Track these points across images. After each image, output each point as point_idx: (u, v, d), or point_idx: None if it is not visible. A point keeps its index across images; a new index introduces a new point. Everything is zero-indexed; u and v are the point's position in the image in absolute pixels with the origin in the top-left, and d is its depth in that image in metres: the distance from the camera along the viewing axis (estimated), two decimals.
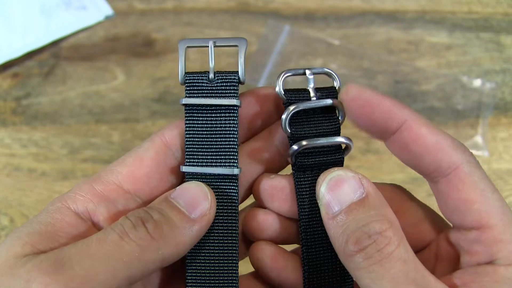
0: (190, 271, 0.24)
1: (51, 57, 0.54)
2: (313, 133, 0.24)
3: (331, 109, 0.25)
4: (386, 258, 0.20)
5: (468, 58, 0.55)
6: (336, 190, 0.23)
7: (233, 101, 0.24)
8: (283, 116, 0.24)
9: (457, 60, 0.55)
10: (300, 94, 0.25)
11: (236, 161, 0.24)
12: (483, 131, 0.50)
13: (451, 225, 0.25)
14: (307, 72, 0.25)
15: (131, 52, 0.55)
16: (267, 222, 0.26)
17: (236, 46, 0.25)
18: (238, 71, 0.24)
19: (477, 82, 0.53)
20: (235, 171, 0.24)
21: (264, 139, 0.26)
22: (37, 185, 0.47)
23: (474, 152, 0.49)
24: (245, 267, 0.27)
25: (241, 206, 0.27)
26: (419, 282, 0.20)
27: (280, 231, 0.26)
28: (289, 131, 0.24)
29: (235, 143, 0.24)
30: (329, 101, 0.24)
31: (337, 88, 0.25)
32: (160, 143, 0.25)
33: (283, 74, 0.25)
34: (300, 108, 0.24)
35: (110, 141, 0.49)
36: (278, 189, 0.25)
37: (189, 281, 0.24)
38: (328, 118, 0.25)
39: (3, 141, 0.49)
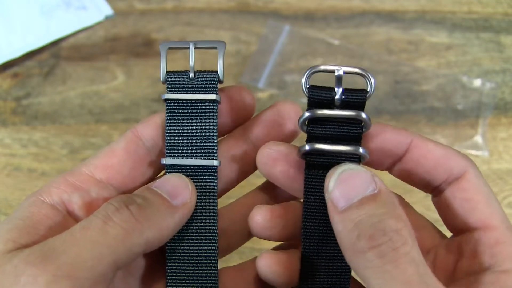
0: (170, 260, 0.25)
1: (51, 57, 0.54)
2: (332, 134, 0.23)
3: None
4: (402, 258, 0.19)
5: (468, 58, 0.55)
6: (347, 184, 0.21)
7: (213, 96, 0.25)
8: (300, 120, 0.23)
9: (457, 60, 0.55)
10: (324, 94, 0.23)
11: (215, 153, 0.25)
12: (483, 131, 0.50)
13: (448, 236, 0.25)
14: (337, 70, 0.23)
15: (131, 52, 0.55)
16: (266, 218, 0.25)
17: (215, 48, 0.26)
18: (217, 71, 0.25)
19: (477, 82, 0.53)
20: (215, 162, 0.25)
21: (239, 136, 0.27)
22: (37, 185, 0.47)
23: (474, 152, 0.49)
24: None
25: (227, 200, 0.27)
26: (431, 287, 0.19)
27: (282, 227, 0.25)
28: (305, 129, 0.24)
29: (214, 136, 0.25)
30: (352, 113, 0.23)
31: (369, 93, 0.23)
32: (131, 136, 0.26)
33: (309, 70, 0.24)
34: (318, 117, 0.23)
35: (110, 141, 0.49)
36: (283, 154, 0.25)
37: (169, 270, 0.25)
38: (350, 123, 0.23)
39: (3, 141, 0.49)
